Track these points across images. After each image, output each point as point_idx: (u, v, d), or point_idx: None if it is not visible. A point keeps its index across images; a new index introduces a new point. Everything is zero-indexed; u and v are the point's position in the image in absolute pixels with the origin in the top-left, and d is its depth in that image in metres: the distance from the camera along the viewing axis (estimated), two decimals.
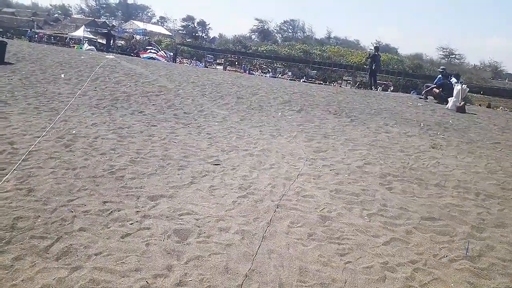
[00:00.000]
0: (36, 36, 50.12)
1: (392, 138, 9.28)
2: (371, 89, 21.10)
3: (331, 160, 7.08)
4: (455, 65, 66.01)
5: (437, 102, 16.13)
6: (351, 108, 12.66)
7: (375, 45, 60.83)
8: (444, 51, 78.56)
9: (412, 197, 5.68)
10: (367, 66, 23.11)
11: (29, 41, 37.44)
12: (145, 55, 37.60)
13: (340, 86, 35.04)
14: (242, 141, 8.02)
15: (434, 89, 16.97)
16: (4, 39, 19.20)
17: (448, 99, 15.14)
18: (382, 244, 4.23)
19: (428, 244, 4.33)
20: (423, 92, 18.17)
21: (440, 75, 17.47)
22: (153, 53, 39.96)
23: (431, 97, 17.08)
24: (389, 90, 35.72)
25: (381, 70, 35.80)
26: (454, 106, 14.52)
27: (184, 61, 45.72)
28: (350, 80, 44.27)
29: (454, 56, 77.82)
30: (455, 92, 15.04)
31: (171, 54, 42.94)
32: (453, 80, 17.76)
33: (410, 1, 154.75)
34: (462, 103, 14.67)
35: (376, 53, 20.88)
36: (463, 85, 15.51)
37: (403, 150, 8.26)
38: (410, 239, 4.42)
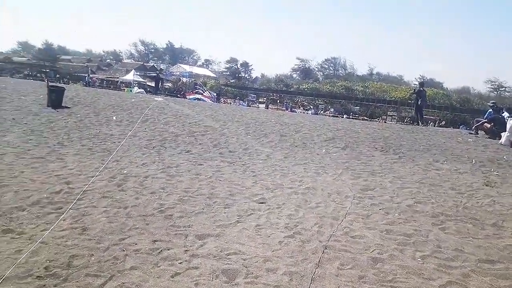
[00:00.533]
0: (90, 80, 53.48)
1: (442, 175, 8.93)
2: (418, 124, 20.63)
3: (379, 199, 6.89)
4: (505, 98, 63.39)
5: (488, 137, 15.46)
6: (398, 144, 12.38)
7: (419, 80, 59.81)
8: (493, 84, 75.92)
9: (468, 238, 5.39)
10: (413, 101, 22.67)
11: (87, 86, 40.04)
12: (191, 96, 39.05)
13: (385, 122, 34.48)
14: (286, 179, 8.01)
15: (485, 123, 16.32)
16: (62, 85, 20.62)
17: (501, 134, 14.48)
18: None
19: None
20: (473, 127, 17.51)
21: (490, 109, 16.83)
22: (199, 93, 41.45)
23: (482, 132, 16.42)
24: (437, 124, 34.71)
25: (427, 105, 35.01)
26: (508, 141, 13.84)
27: (228, 101, 46.94)
28: (395, 116, 43.52)
29: (504, 89, 74.93)
30: (508, 126, 14.38)
31: (215, 94, 44.36)
32: (505, 114, 17.03)
33: (453, 34, 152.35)
34: None
35: (421, 88, 20.53)
36: None
37: (455, 188, 7.91)
38: (468, 282, 4.16)
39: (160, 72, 59.16)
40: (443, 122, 38.24)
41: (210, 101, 38.90)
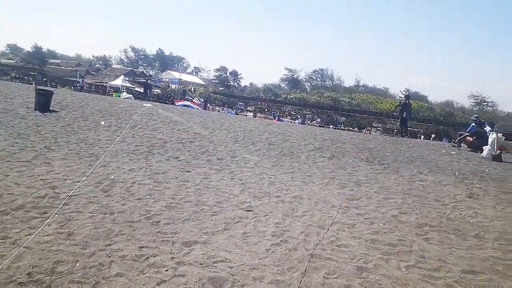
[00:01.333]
0: (77, 84, 53.01)
1: (426, 186, 9.02)
2: (403, 136, 20.86)
3: (365, 209, 6.92)
4: (487, 113, 64.64)
5: (471, 151, 15.71)
6: (383, 155, 12.49)
7: (405, 93, 60.52)
8: (476, 99, 77.35)
9: (451, 248, 5.43)
10: (398, 114, 22.96)
11: (80, 91, 39.75)
12: (180, 103, 38.92)
13: (370, 133, 34.79)
14: (274, 187, 8.00)
15: (468, 137, 16.59)
16: (50, 89, 20.36)
17: (483, 147, 14.73)
18: None
19: None
20: (456, 140, 17.78)
21: (473, 123, 17.13)
22: (188, 100, 41.44)
23: (464, 145, 16.68)
24: (420, 137, 35.16)
25: (412, 118, 35.51)
26: (489, 154, 14.09)
27: (217, 108, 46.91)
28: (380, 127, 43.97)
29: (486, 103, 76.39)
30: (490, 140, 14.64)
31: (203, 101, 44.40)
32: (487, 128, 17.35)
33: (439, 49, 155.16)
34: (498, 151, 14.22)
35: (407, 101, 20.80)
36: (499, 134, 15.10)
37: (438, 199, 7.99)
38: None
39: (149, 78, 58.95)
40: (433, 136, 38.77)
41: (198, 108, 38.87)
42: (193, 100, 42.85)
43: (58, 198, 6.08)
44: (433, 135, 39.15)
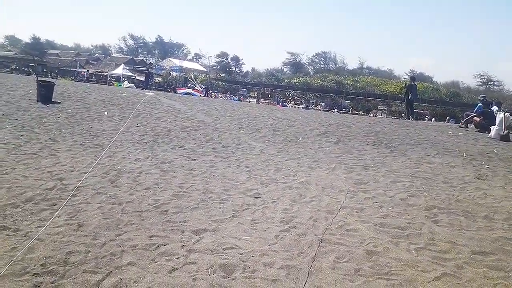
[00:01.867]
0: (78, 74, 53.01)
1: (434, 169, 9.05)
2: (409, 118, 20.80)
3: (373, 193, 6.97)
4: (494, 92, 64.14)
5: (478, 131, 15.66)
6: (390, 138, 12.49)
7: (410, 74, 60.08)
8: (482, 78, 76.72)
9: (460, 230, 5.48)
10: (403, 96, 22.86)
11: (81, 81, 39.81)
12: (182, 91, 38.91)
13: (376, 116, 34.69)
14: (280, 173, 8.05)
15: (475, 117, 16.52)
16: (51, 80, 20.39)
17: (491, 127, 14.68)
18: (433, 280, 4.08)
19: (482, 279, 4.14)
20: (463, 121, 17.71)
21: (480, 103, 17.03)
22: (190, 88, 41.44)
23: (471, 126, 16.62)
24: (426, 119, 35.03)
25: (418, 99, 35.33)
26: (497, 134, 14.04)
27: (219, 95, 46.84)
28: (385, 110, 43.82)
29: (492, 83, 75.76)
30: (497, 120, 14.58)
31: (204, 87, 44.37)
32: (495, 108, 17.25)
33: (443, 28, 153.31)
34: (506, 131, 14.17)
35: (412, 83, 20.68)
36: (506, 113, 15.03)
37: (447, 181, 8.02)
38: (462, 274, 4.24)
39: (150, 67, 58.80)
40: (432, 119, 38.61)
41: (201, 95, 38.88)
42: (195, 88, 42.84)
43: (66, 189, 6.16)
44: (433, 118, 39.01)
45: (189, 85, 44.32)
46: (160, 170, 7.64)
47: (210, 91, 46.82)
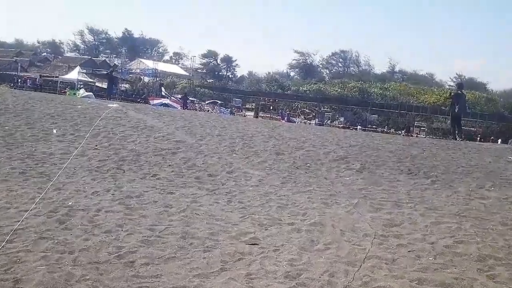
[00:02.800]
0: (19, 80, 53.28)
1: (490, 206, 9.03)
2: (455, 138, 20.86)
3: (408, 238, 6.94)
4: None
5: None
6: (430, 165, 12.52)
7: (457, 81, 60.50)
8: None
9: None
10: (448, 109, 23.04)
11: (21, 88, 40.00)
12: (156, 101, 39.14)
13: (412, 135, 34.86)
14: (285, 211, 8.04)
15: None
16: None
17: None
18: None
19: None
20: None
21: None
22: (166, 98, 41.72)
23: None
24: (478, 140, 35.20)
25: (467, 113, 35.50)
26: None
27: (205, 107, 47.07)
28: (424, 127, 44.04)
29: None
30: None
31: (180, 98, 44.52)
32: None
33: (498, 20, 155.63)
34: None
35: (460, 91, 20.85)
36: None
37: (506, 222, 8.00)
38: None
39: (115, 69, 59.12)
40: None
41: (180, 108, 39.15)
42: (171, 98, 43.24)
43: (0, 233, 6.13)
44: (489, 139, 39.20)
45: (163, 95, 44.61)
46: (125, 207, 7.63)
47: (192, 100, 47.02)
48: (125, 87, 55.60)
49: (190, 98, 49.63)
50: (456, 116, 20.91)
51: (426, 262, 6.05)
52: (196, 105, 48.01)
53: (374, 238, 6.88)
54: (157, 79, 62.12)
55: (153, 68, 69.06)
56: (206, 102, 50.10)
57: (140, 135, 13.60)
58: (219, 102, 52.78)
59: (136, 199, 8.15)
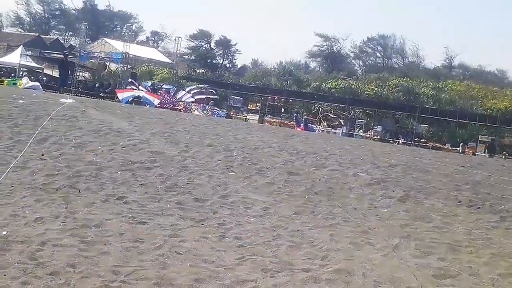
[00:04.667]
0: None
1: None
2: None
3: None
4: None
5: None
6: (500, 195, 12.49)
7: None
8: None
9: None
10: None
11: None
12: (126, 94, 39.15)
13: (475, 154, 34.78)
14: (299, 253, 8.02)
15: None
16: None
17: None
18: None
19: None
20: None
21: None
22: (136, 89, 41.64)
23: None
24: None
25: None
26: None
27: (193, 106, 46.95)
28: (492, 143, 43.90)
29: None
30: None
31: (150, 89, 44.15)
32: None
33: None
34: None
35: None
36: None
37: None
38: None
39: (70, 52, 59.23)
40: None
41: (158, 101, 39.19)
42: (147, 90, 43.17)
43: None
44: None
45: (132, 86, 44.29)
46: (79, 240, 7.60)
47: (168, 95, 46.53)
48: (84, 77, 55.60)
49: (164, 86, 49.23)
50: None
51: None
52: (181, 104, 47.69)
53: None
54: (128, 66, 62.04)
55: (123, 52, 69.08)
56: (188, 90, 49.15)
57: (103, 143, 13.60)
58: (213, 94, 51.96)
59: (95, 229, 8.12)
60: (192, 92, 47.72)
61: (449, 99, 56.81)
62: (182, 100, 45.82)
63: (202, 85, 54.30)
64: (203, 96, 48.94)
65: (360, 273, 7.38)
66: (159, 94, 43.96)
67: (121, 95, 40.05)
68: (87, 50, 66.39)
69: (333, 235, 8.98)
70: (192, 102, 46.08)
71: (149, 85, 45.37)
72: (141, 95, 40.61)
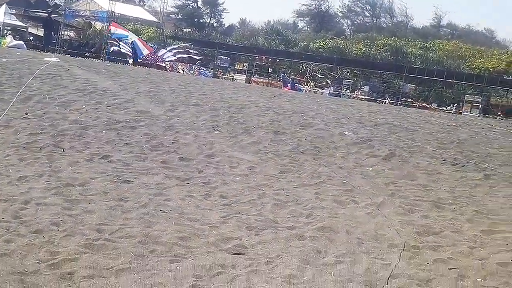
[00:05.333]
0: None
1: None
2: None
3: (449, 251, 6.96)
4: None
5: None
6: (484, 154, 12.53)
7: None
8: None
9: None
10: None
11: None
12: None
13: (461, 113, 34.86)
14: (284, 211, 8.05)
15: None
16: None
17: None
18: None
19: None
20: None
21: None
22: (116, 44, 41.26)
23: None
24: None
25: None
26: None
27: (179, 66, 46.64)
28: (478, 102, 43.97)
29: None
30: None
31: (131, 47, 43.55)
32: None
33: None
34: None
35: None
36: None
37: None
38: None
39: (55, 11, 58.52)
40: None
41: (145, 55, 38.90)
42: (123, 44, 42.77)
43: None
44: None
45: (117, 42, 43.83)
46: (63, 199, 7.60)
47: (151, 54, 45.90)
48: (69, 36, 54.97)
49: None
50: None
51: (473, 284, 6.06)
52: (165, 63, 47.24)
53: (403, 250, 6.89)
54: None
55: (108, 11, 68.42)
56: (169, 48, 48.49)
57: (88, 102, 13.52)
58: (197, 54, 51.29)
59: (80, 188, 8.11)
60: (173, 51, 47.16)
61: (437, 59, 56.64)
62: (164, 58, 45.33)
63: (184, 44, 53.68)
64: (185, 55, 48.45)
65: (344, 230, 7.42)
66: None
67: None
68: (72, 9, 65.64)
69: (318, 194, 9.01)
70: (175, 60, 45.62)
71: (130, 42, 44.63)
72: (124, 50, 40.35)
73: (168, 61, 44.80)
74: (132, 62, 39.10)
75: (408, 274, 6.18)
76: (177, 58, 46.13)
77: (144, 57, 39.18)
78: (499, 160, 12.11)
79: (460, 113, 34.95)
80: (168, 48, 47.88)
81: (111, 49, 41.60)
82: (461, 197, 9.40)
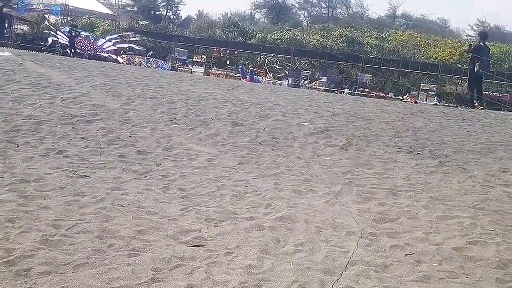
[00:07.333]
0: None
1: None
2: (473, 106, 21.14)
3: (406, 237, 7.05)
4: None
5: None
6: (439, 141, 12.70)
7: (479, 29, 61.19)
8: None
9: None
10: (467, 67, 23.33)
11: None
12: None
13: (417, 102, 35.27)
14: (242, 202, 8.07)
15: None
16: None
17: None
18: None
19: None
20: None
21: None
22: (54, 35, 41.22)
23: None
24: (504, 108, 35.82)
25: (490, 73, 35.80)
26: None
27: (136, 59, 46.34)
28: (433, 91, 44.52)
29: None
30: None
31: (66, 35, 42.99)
32: None
33: None
34: None
35: (482, 43, 21.07)
36: None
37: None
38: None
39: (8, 4, 57.60)
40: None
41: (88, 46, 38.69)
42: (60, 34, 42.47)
43: None
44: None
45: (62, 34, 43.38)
46: (18, 195, 7.50)
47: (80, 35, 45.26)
48: (23, 30, 54.19)
49: (83, 33, 47.99)
50: (476, 77, 21.14)
51: (428, 269, 6.15)
52: (122, 57, 46.86)
53: (361, 237, 6.96)
54: (68, 18, 60.72)
55: (62, 4, 67.50)
56: (108, 38, 47.86)
57: (42, 96, 13.37)
58: (137, 45, 50.53)
59: (35, 184, 8.02)
60: (113, 40, 46.79)
61: (392, 49, 57.24)
62: (104, 48, 45.00)
63: (125, 33, 53.32)
64: (125, 45, 48.17)
65: (303, 219, 7.47)
66: (77, 41, 43.03)
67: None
68: (25, 2, 64.61)
69: (276, 184, 9.05)
70: (115, 50, 45.37)
71: (67, 30, 43.99)
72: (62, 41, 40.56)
73: (107, 51, 44.41)
74: (70, 53, 38.59)
75: (366, 261, 6.25)
76: (117, 48, 45.82)
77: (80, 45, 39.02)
78: (453, 147, 12.28)
79: (416, 102, 35.29)
80: (107, 38, 47.49)
81: (49, 40, 41.33)
82: (416, 184, 9.52)
